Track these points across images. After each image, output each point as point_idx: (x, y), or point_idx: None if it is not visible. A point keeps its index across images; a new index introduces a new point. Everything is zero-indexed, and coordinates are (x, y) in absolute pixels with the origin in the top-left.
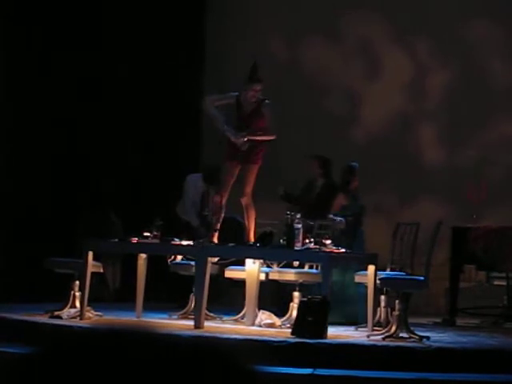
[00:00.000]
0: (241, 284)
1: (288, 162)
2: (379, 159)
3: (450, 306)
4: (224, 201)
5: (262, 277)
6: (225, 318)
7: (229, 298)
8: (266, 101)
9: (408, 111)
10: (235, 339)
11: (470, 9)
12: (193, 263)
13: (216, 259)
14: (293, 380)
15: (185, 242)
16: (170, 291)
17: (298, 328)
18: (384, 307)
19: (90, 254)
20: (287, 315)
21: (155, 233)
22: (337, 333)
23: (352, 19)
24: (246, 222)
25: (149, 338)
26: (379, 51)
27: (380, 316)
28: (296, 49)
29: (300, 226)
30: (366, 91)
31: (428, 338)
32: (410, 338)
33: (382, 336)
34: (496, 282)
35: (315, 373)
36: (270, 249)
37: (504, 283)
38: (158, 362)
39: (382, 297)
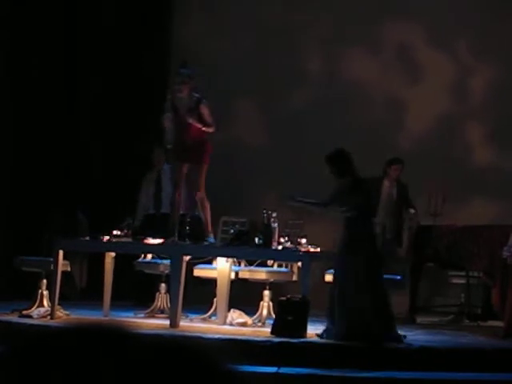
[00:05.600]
0: (205, 282)
1: None
2: (427, 163)
3: (410, 303)
4: (180, 198)
5: (232, 275)
6: (191, 316)
7: (192, 296)
8: (203, 100)
9: (453, 113)
10: (218, 339)
11: (509, 4)
12: (160, 261)
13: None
14: (258, 378)
15: (156, 241)
16: (134, 290)
17: (277, 327)
18: None
19: (61, 252)
20: (257, 313)
21: (125, 231)
22: (310, 332)
23: (389, 26)
24: (202, 215)
25: (124, 337)
26: (419, 55)
27: None
28: (335, 60)
29: (276, 224)
30: (410, 96)
31: (405, 336)
32: None
33: None
34: (454, 281)
35: (280, 371)
36: (247, 248)
37: (461, 281)
38: (135, 361)
39: None
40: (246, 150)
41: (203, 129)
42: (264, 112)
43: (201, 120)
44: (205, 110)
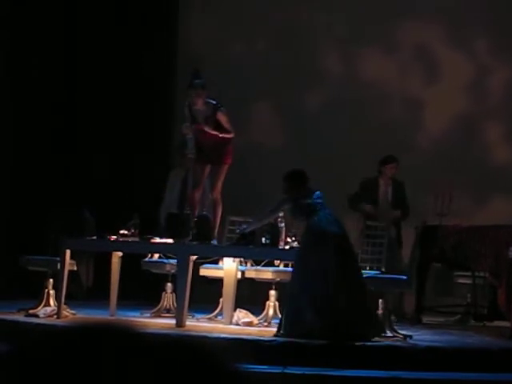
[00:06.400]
0: (211, 281)
1: (353, 169)
2: (446, 163)
3: (416, 303)
4: (199, 197)
5: (238, 275)
6: (197, 316)
7: (198, 295)
8: (221, 108)
9: (471, 112)
10: (224, 339)
11: None
12: (166, 261)
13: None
14: (263, 378)
15: (163, 240)
16: (141, 289)
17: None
18: None
19: (68, 252)
20: (263, 313)
21: (132, 230)
22: None
23: (406, 25)
24: (211, 216)
25: (130, 336)
26: (437, 55)
27: None
28: (352, 61)
29: (283, 224)
30: (428, 96)
31: (411, 336)
32: (393, 336)
33: None
34: (460, 281)
35: (285, 371)
36: (254, 248)
37: (467, 281)
38: (138, 361)
39: None
40: (260, 150)
41: (221, 136)
42: (277, 113)
43: (218, 127)
44: (222, 117)
